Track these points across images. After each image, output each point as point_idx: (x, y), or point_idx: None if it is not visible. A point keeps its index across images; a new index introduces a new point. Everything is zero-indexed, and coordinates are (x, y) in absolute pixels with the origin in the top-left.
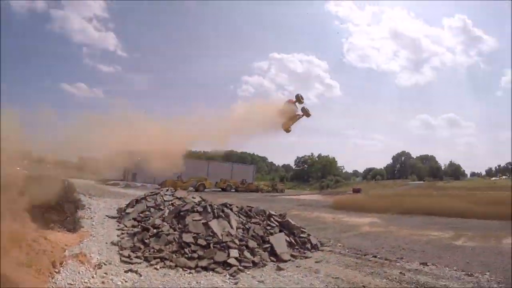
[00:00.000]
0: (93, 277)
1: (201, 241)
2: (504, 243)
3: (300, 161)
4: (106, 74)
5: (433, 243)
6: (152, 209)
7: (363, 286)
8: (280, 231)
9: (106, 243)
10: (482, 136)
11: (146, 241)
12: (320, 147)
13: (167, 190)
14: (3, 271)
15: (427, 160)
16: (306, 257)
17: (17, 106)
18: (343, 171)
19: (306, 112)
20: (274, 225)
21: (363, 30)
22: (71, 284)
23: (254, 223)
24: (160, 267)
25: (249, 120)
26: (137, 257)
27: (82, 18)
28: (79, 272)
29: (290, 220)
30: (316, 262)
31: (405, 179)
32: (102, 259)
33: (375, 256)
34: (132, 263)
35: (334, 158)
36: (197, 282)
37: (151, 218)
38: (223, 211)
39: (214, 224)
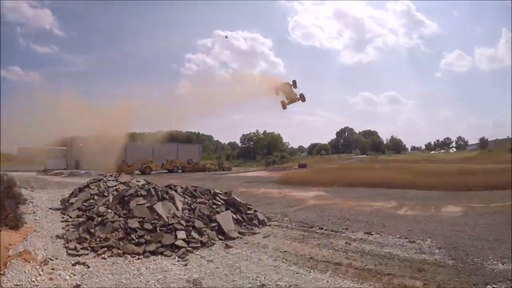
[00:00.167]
0: (40, 274)
1: (147, 225)
2: (443, 212)
3: (245, 138)
4: (42, 56)
5: (377, 213)
6: (96, 197)
7: (310, 257)
8: (227, 209)
9: (51, 237)
10: (422, 113)
11: (91, 230)
12: (265, 123)
13: (111, 175)
14: None
15: (370, 135)
16: (254, 233)
17: None
18: (289, 147)
19: (303, 98)
20: (220, 203)
21: (308, 9)
22: (18, 285)
23: (199, 203)
24: (108, 256)
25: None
26: (83, 248)
27: None
28: (25, 271)
29: (236, 197)
30: (264, 237)
31: (349, 153)
32: (48, 254)
33: (321, 228)
34: (79, 255)
35: (279, 134)
36: (146, 268)
37: (95, 206)
38: (167, 192)
39: (159, 207)
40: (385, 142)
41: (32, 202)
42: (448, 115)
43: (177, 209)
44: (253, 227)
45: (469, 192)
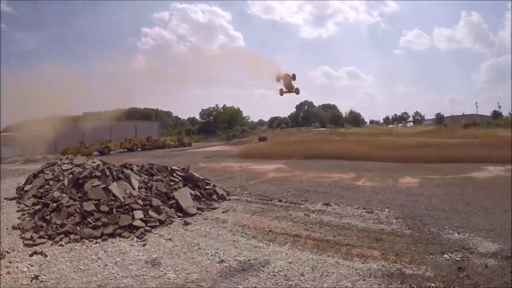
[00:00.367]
0: None
1: (103, 207)
2: (401, 183)
3: (205, 113)
4: None
5: (335, 184)
6: (51, 182)
7: (269, 230)
8: (184, 185)
9: (7, 228)
10: (381, 88)
11: (47, 217)
12: (225, 98)
13: (67, 158)
14: None
15: (329, 108)
16: (213, 209)
17: None
18: (249, 120)
19: (297, 91)
20: (178, 180)
21: None
22: None
23: (156, 180)
24: (65, 243)
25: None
26: (40, 237)
27: None
28: None
29: (194, 173)
30: (223, 212)
31: (309, 126)
32: (4, 247)
33: (281, 201)
34: (36, 245)
35: (239, 108)
36: (104, 251)
37: (51, 192)
38: (122, 172)
39: (114, 187)
40: (344, 116)
41: None
42: (406, 91)
43: (133, 188)
44: (212, 202)
45: (426, 164)
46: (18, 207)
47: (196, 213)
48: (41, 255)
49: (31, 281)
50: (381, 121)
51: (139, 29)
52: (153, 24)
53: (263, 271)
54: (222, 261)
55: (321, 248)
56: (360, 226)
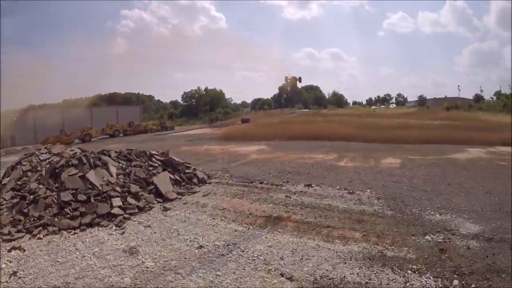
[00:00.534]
0: None
1: (81, 197)
2: (383, 163)
3: (187, 96)
4: None
5: (318, 165)
6: (29, 173)
7: (249, 213)
8: (164, 170)
9: None
10: (364, 69)
11: (24, 211)
12: (207, 80)
13: (45, 148)
14: None
15: (312, 90)
16: (193, 193)
17: None
18: (232, 102)
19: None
20: (157, 164)
21: None
22: None
23: (135, 166)
24: (43, 236)
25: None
26: (18, 231)
27: None
28: None
29: (173, 157)
30: (203, 196)
31: (292, 108)
32: None
33: (262, 183)
34: (14, 240)
35: (221, 90)
36: (82, 242)
37: (29, 183)
38: (100, 159)
39: (91, 175)
40: (327, 97)
41: None
42: (389, 73)
43: (111, 175)
44: (192, 186)
45: (407, 145)
46: None
47: (176, 198)
48: (20, 250)
49: (10, 277)
50: (364, 102)
51: (118, 12)
52: (133, 6)
53: (242, 256)
54: (201, 246)
55: (302, 231)
56: (341, 207)
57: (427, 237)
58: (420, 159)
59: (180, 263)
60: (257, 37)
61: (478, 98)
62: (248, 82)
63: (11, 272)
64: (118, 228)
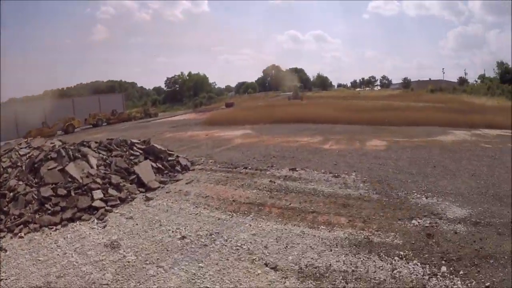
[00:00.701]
0: None
1: (61, 191)
2: (368, 146)
3: (170, 81)
4: None
5: (302, 148)
6: (9, 170)
7: (233, 200)
8: (145, 158)
9: None
10: (348, 51)
11: (5, 209)
12: (190, 65)
13: (26, 142)
14: None
15: (297, 72)
16: (176, 181)
17: None
18: (216, 87)
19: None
20: (138, 153)
21: None
22: None
23: (116, 156)
24: (24, 234)
25: None
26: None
27: None
28: None
29: (155, 145)
30: (186, 183)
31: (276, 91)
32: None
33: (246, 168)
34: None
35: (205, 75)
36: (64, 238)
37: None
38: (79, 151)
39: (71, 168)
40: (311, 80)
41: None
42: (374, 55)
43: (92, 167)
44: (175, 174)
45: (392, 127)
46: None
47: (159, 187)
48: (1, 250)
49: None
50: (349, 84)
51: None
52: None
53: (225, 246)
54: (184, 237)
55: (286, 217)
56: (326, 192)
57: (413, 221)
58: (405, 141)
59: (162, 255)
60: (240, 20)
61: (463, 81)
62: (231, 66)
63: None
64: (100, 221)
